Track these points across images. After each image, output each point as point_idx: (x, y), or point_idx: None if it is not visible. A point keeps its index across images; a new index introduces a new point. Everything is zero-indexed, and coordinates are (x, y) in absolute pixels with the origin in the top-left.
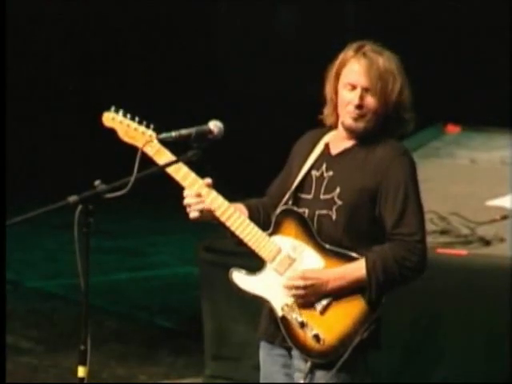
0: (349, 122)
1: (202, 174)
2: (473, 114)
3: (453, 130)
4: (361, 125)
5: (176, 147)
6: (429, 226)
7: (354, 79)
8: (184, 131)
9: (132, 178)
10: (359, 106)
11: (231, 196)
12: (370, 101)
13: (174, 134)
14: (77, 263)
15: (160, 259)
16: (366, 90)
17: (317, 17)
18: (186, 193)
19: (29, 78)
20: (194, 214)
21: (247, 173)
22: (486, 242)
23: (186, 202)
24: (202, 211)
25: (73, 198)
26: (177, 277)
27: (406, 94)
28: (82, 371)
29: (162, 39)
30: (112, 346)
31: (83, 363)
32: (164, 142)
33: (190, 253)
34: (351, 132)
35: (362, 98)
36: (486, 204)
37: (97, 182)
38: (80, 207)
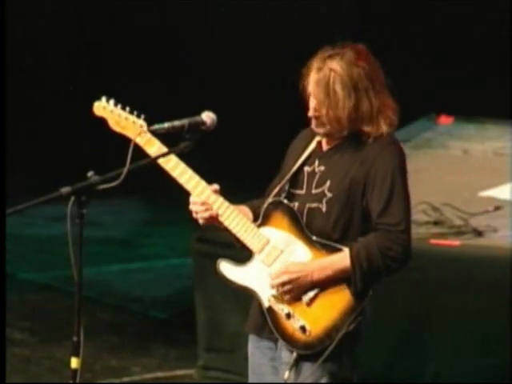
0: (313, 126)
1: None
2: (465, 104)
3: (445, 120)
4: (321, 131)
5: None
6: (422, 217)
7: (311, 90)
8: (177, 122)
9: (125, 170)
10: (314, 116)
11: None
12: (324, 113)
13: (166, 125)
14: (70, 254)
15: (153, 250)
16: (319, 102)
17: (314, 11)
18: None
19: (22, 70)
20: (201, 221)
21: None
22: (479, 233)
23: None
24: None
25: (66, 190)
26: (170, 268)
27: (365, 107)
28: (74, 362)
29: (161, 35)
30: (105, 338)
31: (76, 354)
32: (156, 134)
33: (183, 244)
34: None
35: (315, 109)
36: (478, 195)
37: (90, 173)
38: (73, 198)
